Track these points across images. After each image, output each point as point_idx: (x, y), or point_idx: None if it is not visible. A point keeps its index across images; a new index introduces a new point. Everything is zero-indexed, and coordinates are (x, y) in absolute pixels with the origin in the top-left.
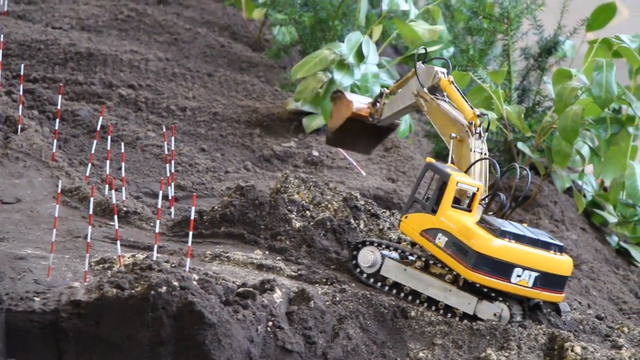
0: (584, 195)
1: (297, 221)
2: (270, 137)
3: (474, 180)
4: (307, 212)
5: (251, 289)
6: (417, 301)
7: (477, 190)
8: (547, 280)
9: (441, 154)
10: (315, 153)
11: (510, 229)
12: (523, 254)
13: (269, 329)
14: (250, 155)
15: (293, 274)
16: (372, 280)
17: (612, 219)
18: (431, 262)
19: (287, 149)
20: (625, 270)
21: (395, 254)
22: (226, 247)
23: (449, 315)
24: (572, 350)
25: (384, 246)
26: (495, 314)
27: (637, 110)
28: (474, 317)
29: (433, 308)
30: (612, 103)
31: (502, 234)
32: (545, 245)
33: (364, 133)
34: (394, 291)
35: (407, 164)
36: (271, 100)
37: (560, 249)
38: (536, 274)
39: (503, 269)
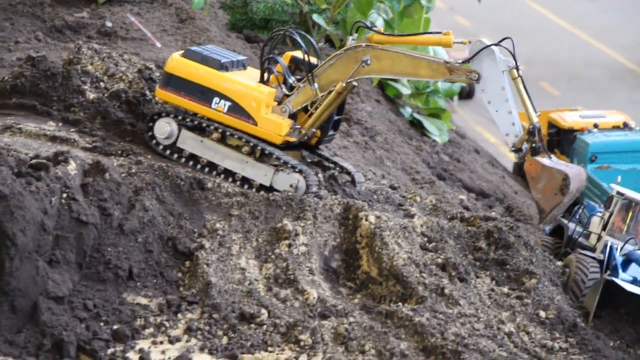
0: None
1: (91, 93)
2: (61, 7)
3: None
4: (102, 83)
5: (44, 161)
6: (214, 173)
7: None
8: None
9: (236, 26)
10: (109, 24)
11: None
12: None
13: (63, 200)
14: (42, 25)
15: (88, 145)
16: (168, 151)
17: (406, 91)
18: (228, 133)
19: (80, 20)
20: (418, 141)
21: (192, 126)
22: (17, 118)
23: (246, 186)
24: (366, 220)
25: (180, 117)
26: (291, 185)
27: None
28: (270, 188)
29: (230, 179)
30: None
31: None
32: None
33: None
34: (191, 163)
35: (202, 36)
36: None
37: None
38: None
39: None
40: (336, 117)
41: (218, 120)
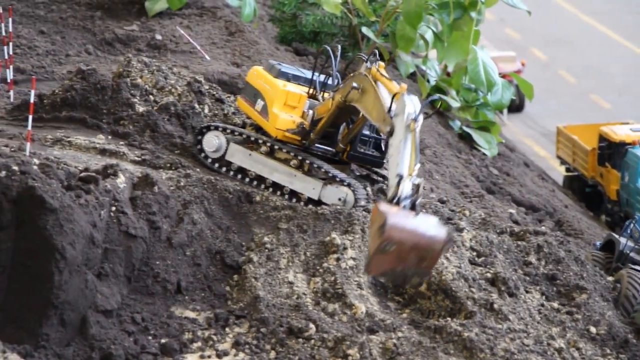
0: (428, 80)
1: (141, 106)
2: (112, 20)
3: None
4: (151, 96)
5: (94, 174)
6: (262, 186)
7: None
8: None
9: (286, 39)
10: (159, 37)
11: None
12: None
13: (112, 214)
14: (92, 38)
15: (137, 158)
16: (217, 165)
17: (455, 104)
18: (276, 147)
19: (130, 33)
20: (467, 155)
21: (240, 139)
22: (68, 131)
23: (294, 200)
24: None
25: (228, 131)
26: (339, 199)
27: None
28: (318, 202)
29: (278, 193)
30: None
31: None
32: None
33: None
34: (239, 176)
35: (252, 49)
36: None
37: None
38: None
39: None
40: (378, 137)
41: (253, 119)
